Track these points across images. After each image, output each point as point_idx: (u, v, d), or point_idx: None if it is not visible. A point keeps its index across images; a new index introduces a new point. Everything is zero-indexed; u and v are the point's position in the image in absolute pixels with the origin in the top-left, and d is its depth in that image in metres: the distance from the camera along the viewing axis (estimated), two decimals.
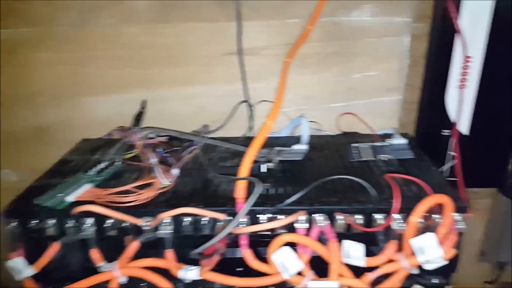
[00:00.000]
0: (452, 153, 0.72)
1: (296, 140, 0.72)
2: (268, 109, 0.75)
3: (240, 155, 0.65)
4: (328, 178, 0.56)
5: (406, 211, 0.52)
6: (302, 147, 0.68)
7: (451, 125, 0.70)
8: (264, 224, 0.51)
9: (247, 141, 0.74)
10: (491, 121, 0.69)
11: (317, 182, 0.55)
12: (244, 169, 0.51)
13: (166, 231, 0.53)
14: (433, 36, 0.69)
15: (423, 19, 0.70)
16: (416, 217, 0.51)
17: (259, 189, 0.49)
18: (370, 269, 0.53)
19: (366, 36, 0.72)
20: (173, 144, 0.67)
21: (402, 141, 0.69)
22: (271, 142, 0.72)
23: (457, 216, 0.53)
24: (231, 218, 0.52)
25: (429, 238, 0.51)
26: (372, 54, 0.73)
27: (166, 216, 0.52)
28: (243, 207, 0.49)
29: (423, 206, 0.51)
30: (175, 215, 0.52)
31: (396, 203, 0.51)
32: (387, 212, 0.53)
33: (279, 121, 0.77)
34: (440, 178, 0.60)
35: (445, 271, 0.58)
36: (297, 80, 0.75)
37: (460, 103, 0.66)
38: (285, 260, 0.52)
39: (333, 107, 0.77)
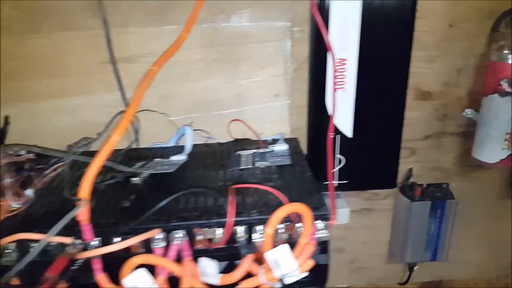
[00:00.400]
0: (339, 156, 0.71)
1: (181, 150, 0.69)
2: (153, 119, 0.74)
3: (113, 170, 0.62)
4: (176, 195, 0.53)
5: (264, 222, 0.51)
6: (180, 157, 0.65)
7: (334, 128, 0.70)
8: (108, 247, 0.48)
9: (129, 153, 0.71)
10: (372, 122, 0.69)
11: (171, 197, 0.52)
12: (84, 188, 0.48)
13: (9, 258, 0.49)
14: (311, 39, 0.68)
15: (302, 22, 0.69)
16: (271, 229, 0.49)
17: (76, 209, 0.46)
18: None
19: (248, 41, 0.71)
20: (41, 161, 0.63)
21: (283, 147, 0.67)
22: (155, 153, 0.70)
23: (320, 224, 0.52)
24: (80, 241, 0.50)
25: (283, 251, 0.49)
26: (256, 60, 0.72)
27: (4, 242, 0.48)
28: (52, 229, 0.46)
29: (276, 217, 0.49)
30: (12, 241, 0.48)
31: (230, 217, 0.49)
32: (248, 224, 0.52)
33: (170, 130, 0.75)
34: (311, 185, 0.58)
35: (318, 282, 0.56)
36: (184, 88, 0.73)
37: (334, 106, 0.65)
38: (138, 284, 0.49)
39: (225, 113, 0.75)
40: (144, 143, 0.75)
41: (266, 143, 0.70)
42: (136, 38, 0.69)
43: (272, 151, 0.67)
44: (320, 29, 0.61)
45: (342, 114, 0.69)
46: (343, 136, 0.70)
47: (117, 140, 0.50)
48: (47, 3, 0.67)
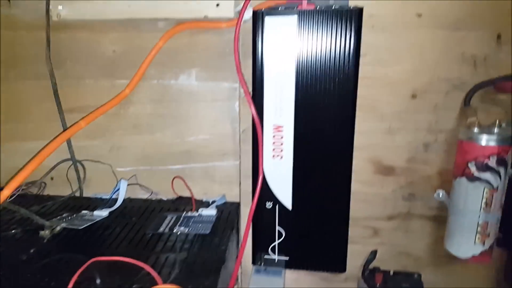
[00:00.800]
0: (279, 229, 0.65)
1: (112, 203, 0.68)
2: (103, 169, 0.74)
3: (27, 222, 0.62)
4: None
5: None
6: (102, 213, 0.63)
7: (273, 197, 0.64)
8: None
9: (67, 202, 0.71)
10: (313, 195, 0.62)
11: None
12: None
13: None
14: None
15: (250, 84, 0.66)
16: None
17: None
18: None
19: (196, 100, 0.69)
20: None
21: (211, 212, 0.63)
22: (89, 205, 0.69)
23: None
24: None
25: None
26: (204, 118, 0.70)
27: None
28: None
29: None
30: None
31: None
32: None
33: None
34: (215, 262, 0.52)
35: None
36: (133, 140, 0.73)
37: (260, 175, 0.60)
38: None
39: (172, 169, 0.73)
40: (91, 192, 0.75)
41: (198, 205, 0.66)
42: (90, 90, 0.71)
43: (200, 215, 0.63)
44: (246, 97, 0.58)
45: (281, 183, 0.63)
46: (282, 207, 0.64)
47: (7, 195, 0.50)
48: (15, 54, 0.72)
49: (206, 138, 0.71)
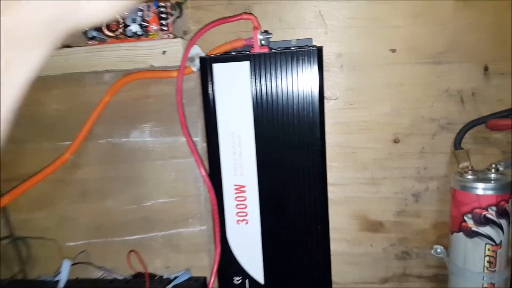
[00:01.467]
0: None
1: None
2: (50, 245, 0.64)
3: None
4: None
5: None
6: None
7: (242, 272, 0.54)
8: None
9: (8, 287, 0.61)
10: (287, 265, 0.53)
11: None
12: None
13: None
14: None
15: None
16: None
17: None
18: None
19: (152, 158, 0.61)
20: None
21: None
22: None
23: None
24: None
25: None
26: (162, 178, 0.61)
27: None
28: None
29: None
30: None
31: None
32: None
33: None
34: None
35: None
36: (82, 209, 0.63)
37: (218, 246, 0.51)
38: None
39: (128, 240, 0.63)
40: (37, 273, 0.64)
41: (156, 285, 0.56)
42: (31, 155, 0.62)
43: None
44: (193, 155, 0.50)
45: (249, 254, 0.53)
46: (253, 282, 0.54)
47: None
48: None
49: (166, 202, 0.62)
